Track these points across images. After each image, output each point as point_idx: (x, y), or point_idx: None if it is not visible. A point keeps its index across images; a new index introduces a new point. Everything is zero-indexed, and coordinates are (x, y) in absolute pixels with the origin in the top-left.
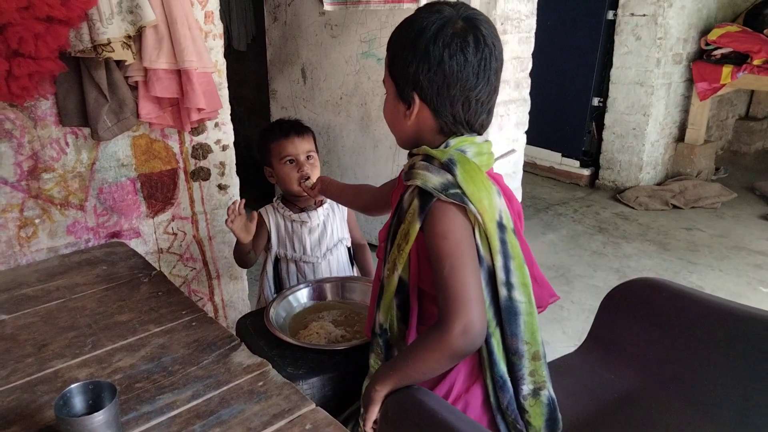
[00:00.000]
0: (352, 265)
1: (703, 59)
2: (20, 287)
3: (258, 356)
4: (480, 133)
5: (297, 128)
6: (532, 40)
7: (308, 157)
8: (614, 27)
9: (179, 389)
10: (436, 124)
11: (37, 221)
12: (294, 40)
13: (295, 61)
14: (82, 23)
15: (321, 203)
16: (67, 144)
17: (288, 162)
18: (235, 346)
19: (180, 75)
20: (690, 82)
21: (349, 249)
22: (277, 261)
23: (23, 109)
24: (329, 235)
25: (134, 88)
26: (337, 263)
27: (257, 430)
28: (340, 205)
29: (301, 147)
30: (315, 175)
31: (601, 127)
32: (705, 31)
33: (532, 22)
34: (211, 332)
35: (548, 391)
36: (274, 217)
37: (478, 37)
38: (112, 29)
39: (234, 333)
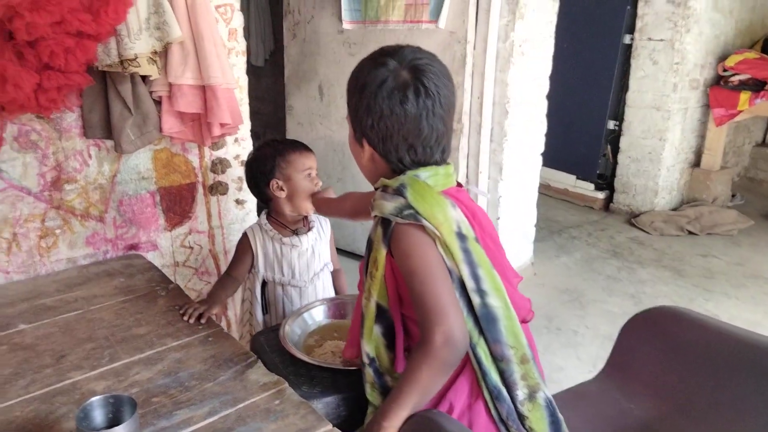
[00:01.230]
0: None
1: (721, 85)
2: (39, 297)
3: (274, 374)
4: (430, 164)
5: (307, 146)
6: (550, 62)
7: (317, 174)
8: (631, 51)
9: (196, 405)
10: (387, 165)
11: (57, 231)
12: (312, 57)
13: (312, 77)
14: (110, 38)
15: (311, 227)
16: (90, 156)
17: (308, 174)
18: (252, 363)
19: (203, 90)
20: (706, 107)
21: (332, 273)
22: (263, 284)
23: (49, 120)
24: (317, 260)
25: (158, 102)
26: (323, 288)
27: None
28: (325, 229)
29: (315, 162)
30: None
31: (616, 150)
32: (722, 57)
33: (550, 45)
34: (228, 348)
35: (544, 393)
36: (261, 239)
37: (419, 89)
38: (140, 45)
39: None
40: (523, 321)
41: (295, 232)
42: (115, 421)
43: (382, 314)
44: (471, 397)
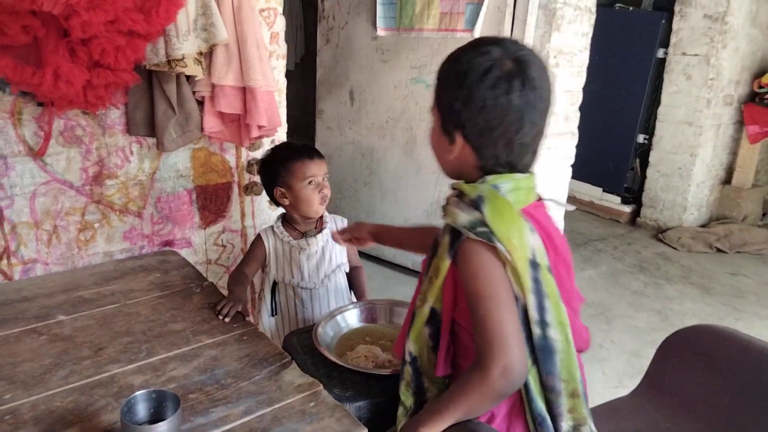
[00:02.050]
0: (351, 290)
1: (756, 102)
2: (77, 289)
3: (308, 375)
4: (520, 171)
5: (316, 151)
6: (584, 74)
7: (325, 179)
8: (664, 65)
9: (232, 403)
10: (478, 162)
11: (96, 225)
12: (344, 63)
13: (344, 83)
14: (159, 38)
15: (321, 229)
16: (131, 152)
17: (311, 183)
18: (286, 363)
19: (245, 92)
20: (740, 124)
21: (347, 273)
22: (274, 284)
23: (94, 116)
24: (327, 262)
25: (200, 102)
26: (335, 290)
27: None
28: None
29: (322, 168)
30: (329, 194)
31: (645, 164)
32: (759, 74)
33: (584, 57)
34: (262, 347)
35: (589, 428)
36: (273, 241)
37: (524, 81)
38: (187, 45)
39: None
40: (579, 350)
41: (304, 235)
42: (156, 415)
43: (434, 318)
44: (510, 416)
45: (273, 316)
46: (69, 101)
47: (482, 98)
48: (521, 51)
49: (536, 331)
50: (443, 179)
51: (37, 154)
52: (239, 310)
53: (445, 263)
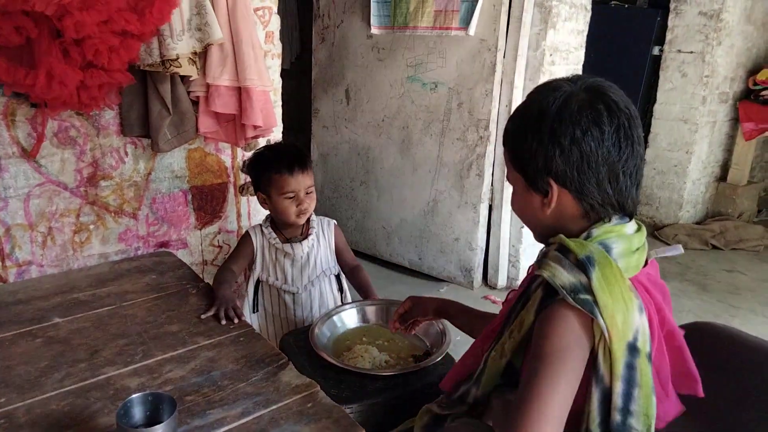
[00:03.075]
0: (341, 292)
1: (751, 99)
2: (72, 291)
3: (305, 376)
4: (631, 215)
5: (301, 162)
6: (580, 71)
7: (307, 193)
8: (659, 62)
9: (229, 405)
10: (580, 208)
11: (91, 227)
12: (340, 61)
13: (339, 81)
14: (153, 38)
15: (307, 234)
16: (126, 153)
17: (288, 197)
18: (283, 364)
19: (240, 92)
20: (735, 121)
21: (337, 277)
22: (258, 283)
23: (88, 117)
24: (312, 267)
25: (194, 102)
26: (319, 295)
27: None
28: (326, 235)
29: (303, 183)
30: (312, 206)
31: None
32: (754, 71)
33: (580, 55)
34: (259, 348)
35: None
36: (260, 240)
37: (610, 104)
38: (182, 45)
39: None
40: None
41: (289, 240)
42: (153, 418)
43: (510, 372)
44: None
45: (254, 312)
46: (63, 102)
47: (570, 134)
48: (591, 79)
49: (616, 417)
50: (440, 177)
51: (30, 155)
52: (234, 309)
53: (530, 318)
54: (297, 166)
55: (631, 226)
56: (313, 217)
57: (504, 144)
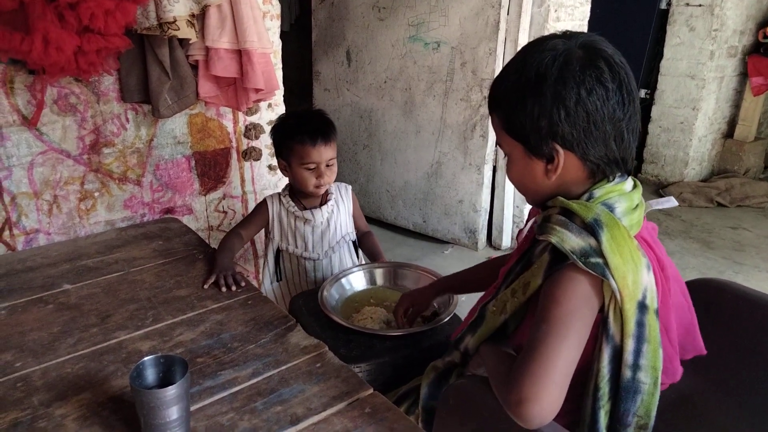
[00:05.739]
0: (358, 257)
1: (761, 53)
2: (81, 258)
3: (314, 337)
4: (630, 172)
5: (325, 134)
6: (585, 27)
7: (328, 165)
8: (667, 17)
9: (239, 366)
10: (585, 170)
11: (96, 194)
12: (340, 22)
13: (340, 43)
14: (149, 0)
15: (326, 200)
16: (127, 120)
17: (309, 168)
18: (291, 326)
19: (240, 55)
20: (743, 76)
21: (355, 243)
22: (279, 252)
23: (88, 84)
24: (332, 233)
25: (194, 67)
26: (339, 261)
27: (318, 411)
28: (345, 200)
29: (325, 155)
30: (332, 179)
31: (646, 120)
32: (764, 24)
33: (586, 10)
34: (267, 311)
35: None
36: (278, 209)
37: (609, 60)
38: (179, 7)
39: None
40: (665, 385)
41: (308, 207)
42: (165, 380)
43: (504, 330)
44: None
45: (278, 281)
46: (60, 68)
47: (575, 96)
48: (584, 36)
49: (626, 374)
50: (443, 139)
51: (31, 123)
52: (234, 276)
53: (537, 281)
54: (320, 137)
55: (629, 183)
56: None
57: (492, 110)
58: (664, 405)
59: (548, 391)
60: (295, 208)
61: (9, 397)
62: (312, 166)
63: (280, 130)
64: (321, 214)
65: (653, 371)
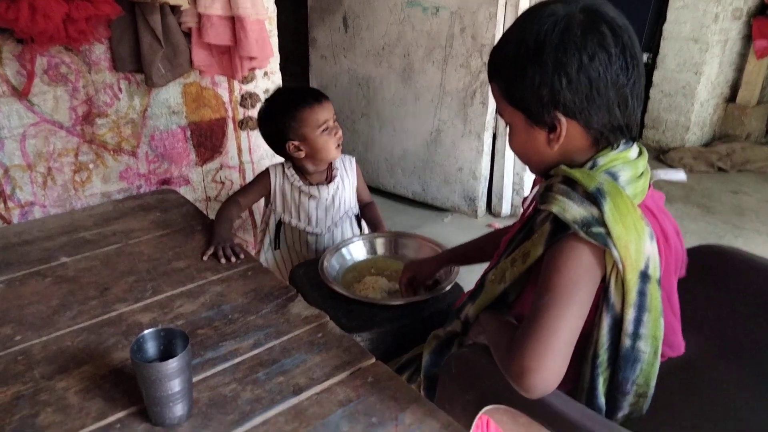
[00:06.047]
0: (361, 230)
1: (766, 15)
2: (78, 231)
3: (315, 308)
4: (635, 138)
5: (319, 92)
6: None
7: (334, 120)
8: None
9: (240, 337)
10: (589, 138)
11: (91, 166)
12: None
13: (336, 8)
14: None
15: (332, 178)
16: (120, 90)
17: (325, 128)
18: (292, 296)
19: (233, 22)
20: (748, 39)
21: (357, 217)
22: (280, 223)
23: (78, 53)
24: (336, 209)
25: (187, 34)
26: (341, 235)
27: (320, 380)
28: (350, 174)
29: (330, 111)
30: (342, 137)
31: (648, 84)
32: None
33: None
34: (267, 282)
35: (641, 413)
36: (281, 181)
37: (611, 23)
38: None
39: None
40: (666, 357)
41: (314, 183)
42: (166, 352)
43: (504, 299)
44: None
45: (276, 249)
46: (50, 37)
47: (576, 62)
48: (582, 1)
49: (626, 342)
50: (443, 106)
51: (22, 93)
52: (233, 247)
53: (538, 251)
54: (320, 95)
55: (634, 150)
56: None
57: (492, 79)
58: (664, 371)
59: (550, 362)
60: (301, 182)
61: (10, 371)
62: (327, 125)
63: (278, 111)
64: (327, 191)
65: (653, 340)
